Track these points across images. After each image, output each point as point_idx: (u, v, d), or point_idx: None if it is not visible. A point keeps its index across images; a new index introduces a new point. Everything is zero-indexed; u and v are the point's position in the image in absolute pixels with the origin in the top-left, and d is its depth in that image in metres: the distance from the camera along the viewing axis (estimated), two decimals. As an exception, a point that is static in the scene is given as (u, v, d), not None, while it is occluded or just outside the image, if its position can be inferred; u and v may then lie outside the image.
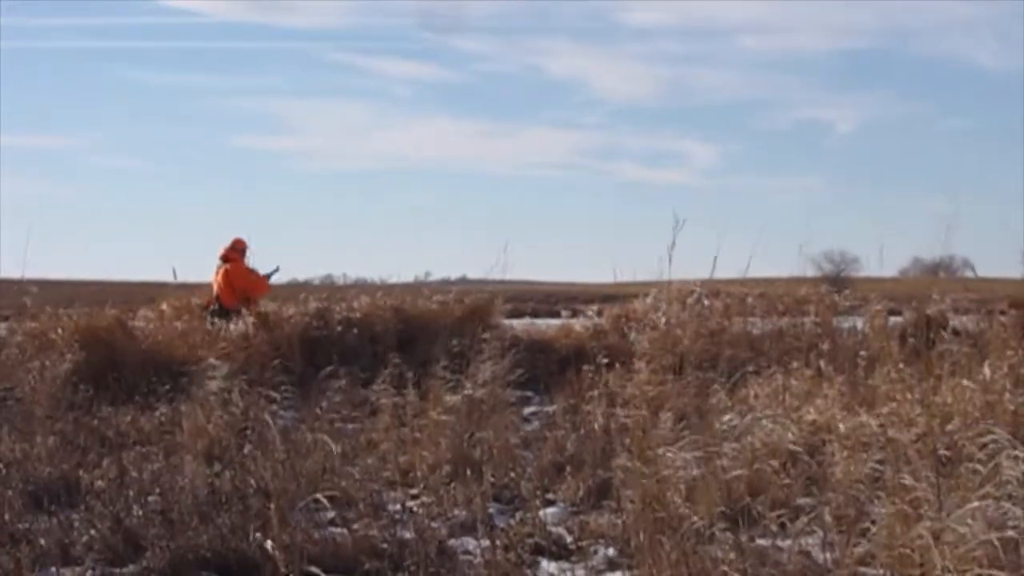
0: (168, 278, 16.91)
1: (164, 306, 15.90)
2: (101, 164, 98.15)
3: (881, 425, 8.08)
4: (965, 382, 9.26)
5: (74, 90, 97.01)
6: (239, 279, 16.18)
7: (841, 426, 8.32)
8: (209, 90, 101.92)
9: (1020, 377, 9.33)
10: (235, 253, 16.52)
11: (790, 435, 8.13)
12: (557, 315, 16.42)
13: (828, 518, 6.45)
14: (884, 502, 6.33)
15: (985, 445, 7.00)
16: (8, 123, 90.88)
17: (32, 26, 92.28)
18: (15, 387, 11.55)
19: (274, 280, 16.78)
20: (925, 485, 6.02)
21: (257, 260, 16.82)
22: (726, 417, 8.78)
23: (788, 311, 14.16)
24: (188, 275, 17.11)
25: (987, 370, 9.47)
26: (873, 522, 6.16)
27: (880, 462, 7.27)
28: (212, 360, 12.06)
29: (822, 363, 10.78)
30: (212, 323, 14.73)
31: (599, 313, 15.23)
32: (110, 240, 66.98)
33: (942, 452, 6.90)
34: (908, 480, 6.17)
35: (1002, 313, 12.33)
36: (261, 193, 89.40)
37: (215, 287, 16.33)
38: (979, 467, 6.42)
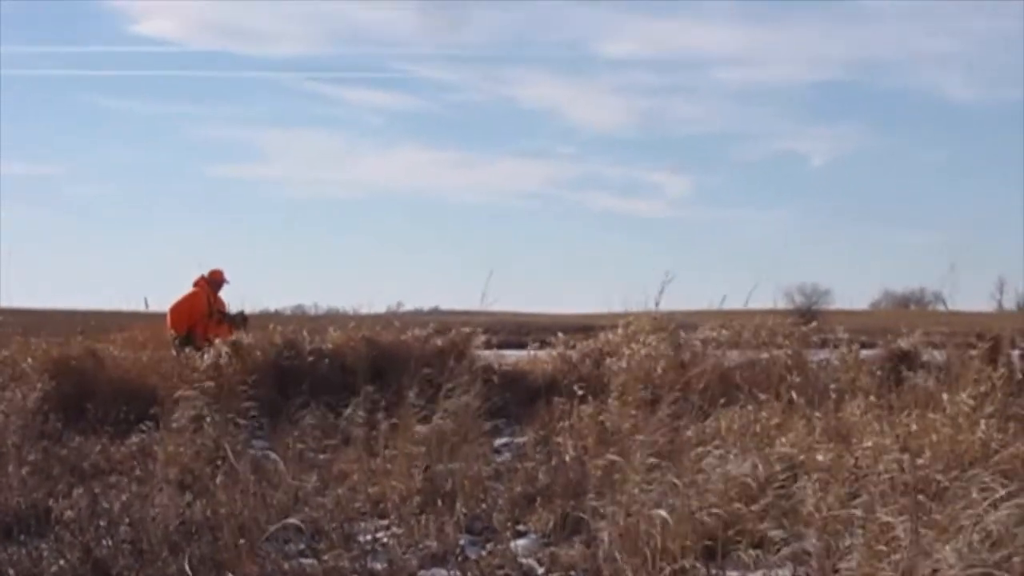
0: (140, 307, 16.89)
1: (136, 335, 15.84)
2: (74, 192, 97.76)
3: (855, 458, 8.10)
4: (932, 415, 9.31)
5: (47, 118, 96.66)
6: (187, 304, 16.19)
7: (819, 457, 8.35)
8: (183, 118, 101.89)
9: (989, 409, 9.37)
10: (203, 281, 16.51)
11: (761, 468, 8.14)
12: (525, 347, 16.36)
13: (802, 552, 6.47)
14: (857, 536, 6.36)
15: (956, 478, 7.04)
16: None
17: (5, 54, 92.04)
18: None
19: (248, 311, 16.75)
20: (898, 519, 6.04)
21: (231, 293, 16.85)
22: (698, 449, 8.81)
23: (760, 343, 14.19)
24: (160, 304, 17.04)
25: (954, 401, 9.52)
26: (846, 555, 6.18)
27: (853, 495, 7.30)
28: (183, 390, 12.02)
29: (793, 395, 10.82)
30: (180, 352, 14.68)
31: (568, 344, 15.23)
32: (82, 268, 66.64)
33: (913, 484, 6.93)
34: (881, 514, 6.20)
35: (971, 347, 12.37)
36: (234, 221, 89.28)
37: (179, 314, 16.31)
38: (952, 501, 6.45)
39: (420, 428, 10.23)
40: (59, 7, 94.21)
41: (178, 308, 16.19)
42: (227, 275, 16.82)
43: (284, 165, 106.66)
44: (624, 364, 13.16)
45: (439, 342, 14.98)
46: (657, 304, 12.53)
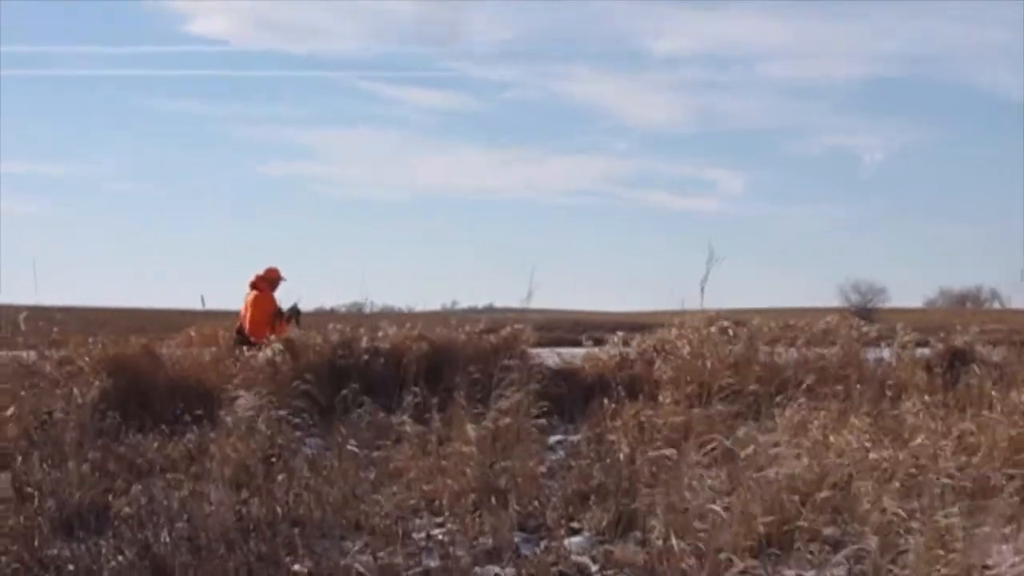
0: (197, 306, 17.00)
1: (192, 333, 15.96)
2: (125, 191, 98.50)
3: (915, 457, 8.04)
4: (988, 413, 9.23)
5: (99, 118, 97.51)
6: (260, 311, 16.23)
7: (875, 456, 8.29)
8: (236, 119, 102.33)
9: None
10: (263, 283, 16.56)
11: (817, 467, 8.09)
12: (580, 344, 16.32)
13: (858, 551, 6.43)
14: (914, 536, 6.31)
15: (1012, 477, 6.97)
16: (31, 151, 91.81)
17: (56, 54, 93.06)
18: (52, 411, 11.60)
19: (302, 308, 16.79)
20: (955, 519, 5.99)
21: (286, 291, 16.89)
22: (751, 448, 8.77)
23: (814, 341, 14.11)
24: (217, 303, 17.16)
25: (1010, 400, 9.43)
26: (903, 555, 6.13)
27: (909, 494, 7.25)
28: (239, 388, 12.10)
29: (850, 392, 10.75)
30: (238, 351, 14.76)
31: (625, 341, 15.19)
32: (138, 267, 67.35)
33: (969, 485, 6.87)
34: (938, 514, 6.15)
35: (1029, 344, 12.26)
36: (289, 221, 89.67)
37: (242, 315, 16.40)
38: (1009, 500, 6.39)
39: (473, 426, 10.23)
40: (110, 6, 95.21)
41: (254, 319, 16.21)
42: (283, 273, 16.88)
43: (338, 164, 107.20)
44: (678, 361, 13.12)
45: (492, 339, 14.99)
46: (703, 289, 12.41)
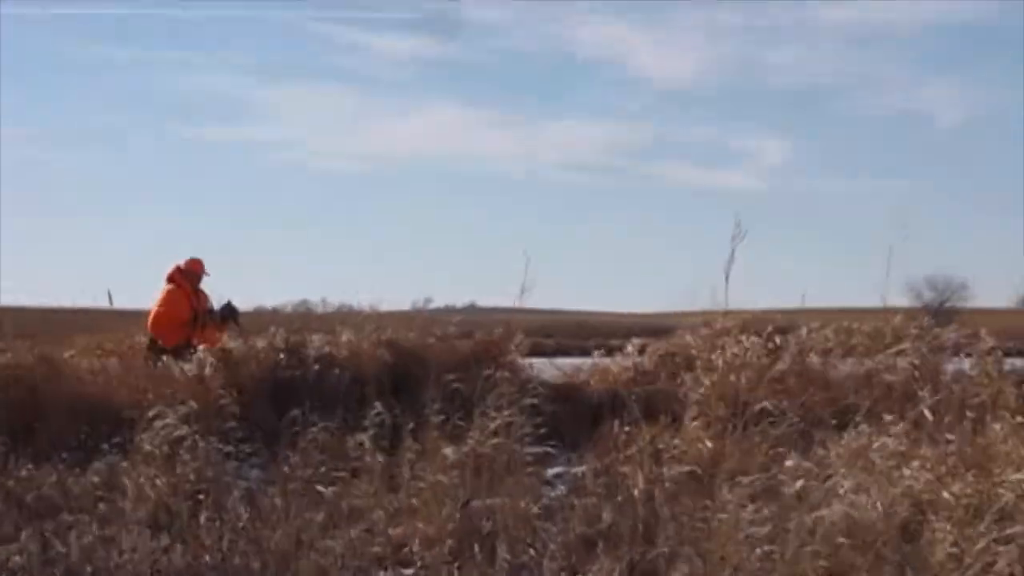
0: (103, 304, 16.99)
1: (99, 339, 15.95)
2: (17, 155, 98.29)
3: (1004, 493, 8.06)
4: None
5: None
6: (169, 309, 16.25)
7: (945, 495, 8.31)
8: (157, 68, 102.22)
9: None
10: (181, 276, 16.57)
11: (882, 506, 8.11)
12: (587, 352, 16.35)
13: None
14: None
15: None
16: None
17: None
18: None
19: (241, 308, 16.80)
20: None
21: (215, 290, 16.89)
22: (799, 483, 8.78)
23: (878, 350, 14.13)
24: (128, 300, 17.13)
25: None
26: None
27: (995, 540, 7.26)
28: (158, 408, 12.09)
29: (923, 414, 10.76)
30: (156, 361, 14.77)
31: (641, 351, 15.21)
32: (30, 254, 67.19)
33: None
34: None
35: None
36: (221, 199, 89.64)
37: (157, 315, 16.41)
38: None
39: (452, 454, 10.24)
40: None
41: (159, 317, 16.25)
42: (206, 266, 16.87)
43: (284, 127, 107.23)
44: (708, 375, 13.14)
45: (471, 345, 15.01)
46: (727, 277, 12.34)
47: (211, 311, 16.48)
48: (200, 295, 16.67)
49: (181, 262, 16.72)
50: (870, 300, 14.77)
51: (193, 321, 16.27)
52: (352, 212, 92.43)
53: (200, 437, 11.19)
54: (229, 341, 14.85)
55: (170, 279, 16.59)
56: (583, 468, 11.41)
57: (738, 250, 11.70)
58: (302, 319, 18.25)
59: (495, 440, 10.49)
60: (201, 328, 16.18)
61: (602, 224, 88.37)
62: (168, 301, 16.37)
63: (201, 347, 14.58)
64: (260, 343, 14.53)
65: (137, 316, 17.35)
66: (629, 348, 15.40)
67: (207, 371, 13.63)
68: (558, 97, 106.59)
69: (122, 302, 17.24)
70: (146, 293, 16.69)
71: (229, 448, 11.18)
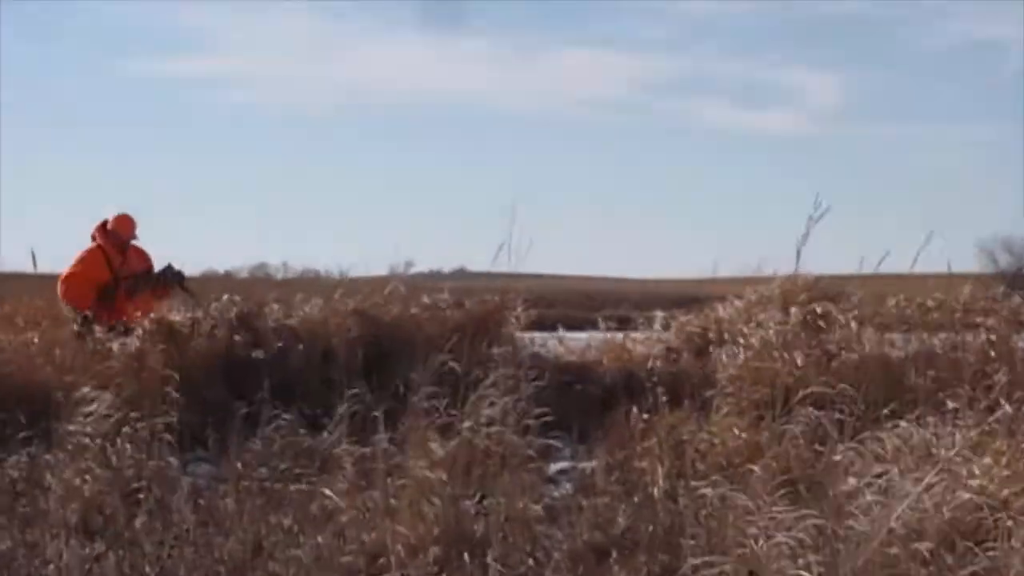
0: (25, 267, 16.96)
1: (19, 308, 15.94)
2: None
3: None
4: None
5: None
6: (85, 270, 16.21)
7: (1024, 495, 8.31)
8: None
9: None
10: (104, 235, 16.49)
11: (947, 510, 8.11)
12: (597, 325, 16.37)
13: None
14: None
15: None
16: None
17: None
18: None
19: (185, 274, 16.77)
20: None
21: (157, 248, 16.87)
22: (851, 481, 8.78)
23: (945, 325, 14.13)
24: (55, 263, 17.10)
25: None
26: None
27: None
28: (89, 389, 12.09)
29: (998, 401, 10.76)
30: (84, 334, 14.75)
31: (666, 325, 15.23)
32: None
33: None
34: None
35: None
36: (164, 142, 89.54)
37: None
38: None
39: (438, 446, 10.25)
40: None
41: (71, 278, 16.20)
42: (136, 224, 16.76)
43: (236, 59, 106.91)
44: (743, 353, 13.14)
45: (460, 316, 15.01)
46: (799, 254, 12.33)
47: (147, 275, 16.39)
48: (130, 255, 16.55)
49: (109, 218, 16.62)
50: (933, 265, 14.71)
51: (114, 284, 16.17)
52: (316, 156, 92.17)
53: (139, 424, 11.20)
54: (177, 312, 14.81)
55: (92, 237, 16.52)
56: (593, 463, 11.44)
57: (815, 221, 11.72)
58: (260, 285, 18.24)
59: (489, 430, 10.50)
60: (127, 294, 16.11)
61: (618, 173, 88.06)
62: (83, 260, 16.30)
63: (139, 317, 14.54)
64: (209, 313, 14.51)
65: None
66: (656, 323, 15.41)
67: (147, 345, 13.62)
68: (569, 25, 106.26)
69: (47, 266, 17.19)
70: (71, 253, 16.64)
71: (173, 438, 11.17)
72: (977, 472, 9.00)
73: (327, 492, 10.02)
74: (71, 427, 11.24)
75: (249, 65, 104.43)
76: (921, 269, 13.93)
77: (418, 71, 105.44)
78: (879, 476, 8.88)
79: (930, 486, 8.54)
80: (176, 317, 14.49)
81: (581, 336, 16.14)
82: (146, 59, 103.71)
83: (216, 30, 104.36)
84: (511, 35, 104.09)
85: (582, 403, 13.33)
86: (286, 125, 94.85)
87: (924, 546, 7.65)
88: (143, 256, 16.67)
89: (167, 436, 11.16)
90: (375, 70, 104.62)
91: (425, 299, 15.53)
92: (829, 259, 15.94)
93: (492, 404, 10.97)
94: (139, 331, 13.97)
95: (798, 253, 12.25)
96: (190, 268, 17.10)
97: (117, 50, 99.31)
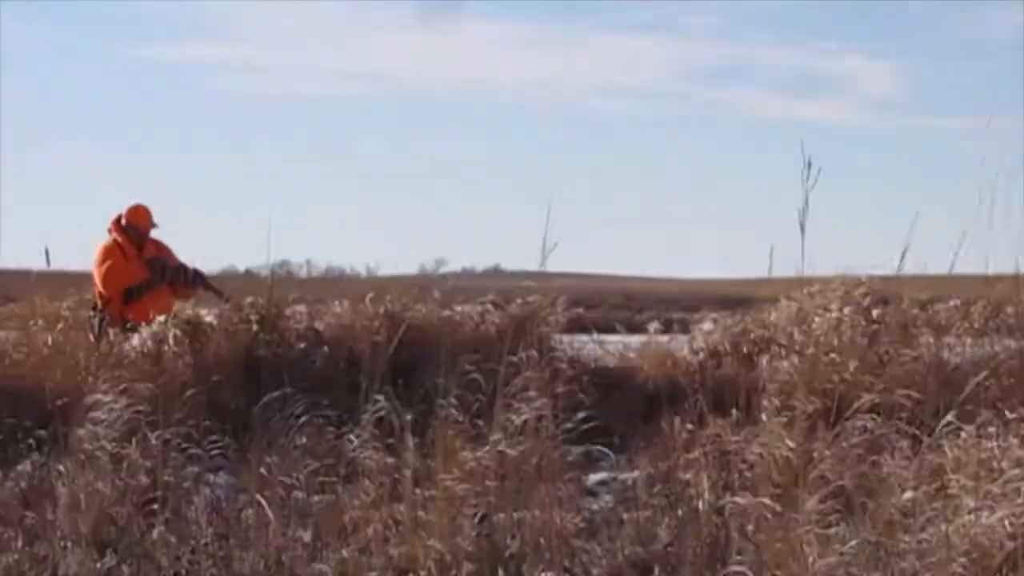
0: (38, 264, 16.97)
1: (29, 307, 15.96)
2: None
3: None
4: None
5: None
6: (114, 270, 16.16)
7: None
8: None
9: None
10: (121, 230, 16.45)
11: (1008, 525, 8.04)
12: (641, 329, 16.38)
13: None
14: None
15: None
16: None
17: None
18: None
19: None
20: None
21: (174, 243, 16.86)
22: (908, 496, 8.72)
23: (1007, 328, 14.07)
24: (68, 261, 17.12)
25: None
26: None
27: None
28: (103, 392, 12.07)
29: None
30: (100, 335, 14.75)
31: (712, 328, 15.19)
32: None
33: None
34: None
35: None
36: (179, 132, 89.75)
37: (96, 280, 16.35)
38: None
39: (470, 455, 10.21)
40: None
41: (110, 279, 16.12)
42: (152, 214, 16.73)
43: (260, 47, 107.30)
44: (793, 359, 13.10)
45: (497, 320, 14.99)
46: (802, 227, 11.84)
47: (164, 269, 16.33)
48: (150, 249, 16.49)
49: (124, 211, 16.58)
50: (1000, 265, 14.61)
51: (147, 283, 16.15)
52: (341, 148, 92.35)
53: (155, 430, 11.18)
54: (206, 309, 14.80)
55: (111, 232, 16.48)
56: (634, 474, 11.40)
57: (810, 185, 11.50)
58: (283, 285, 18.24)
59: (524, 439, 10.45)
60: (170, 287, 16.11)
61: (660, 165, 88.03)
62: (109, 261, 16.25)
63: (157, 316, 14.52)
64: (230, 315, 14.51)
65: (79, 278, 17.31)
66: (705, 325, 15.36)
67: (165, 347, 13.62)
68: (606, 9, 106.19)
69: (60, 263, 17.20)
70: (89, 251, 16.64)
71: (191, 447, 11.16)
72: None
73: (352, 503, 10.00)
74: (82, 432, 11.22)
75: (271, 53, 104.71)
76: (987, 268, 13.83)
77: (450, 60, 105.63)
78: (938, 490, 8.82)
79: (994, 501, 8.47)
80: (204, 313, 14.46)
81: (628, 340, 16.11)
82: (158, 45, 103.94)
83: (232, 16, 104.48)
84: (542, 19, 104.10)
85: (623, 410, 13.30)
86: (302, 113, 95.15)
87: (985, 564, 7.60)
88: (164, 249, 16.62)
89: (185, 443, 11.15)
90: (405, 59, 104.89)
91: (463, 305, 15.50)
92: (872, 254, 15.87)
93: (525, 412, 10.93)
94: (154, 331, 13.94)
95: (801, 227, 11.71)
96: (208, 266, 17.08)
97: (128, 35, 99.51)
